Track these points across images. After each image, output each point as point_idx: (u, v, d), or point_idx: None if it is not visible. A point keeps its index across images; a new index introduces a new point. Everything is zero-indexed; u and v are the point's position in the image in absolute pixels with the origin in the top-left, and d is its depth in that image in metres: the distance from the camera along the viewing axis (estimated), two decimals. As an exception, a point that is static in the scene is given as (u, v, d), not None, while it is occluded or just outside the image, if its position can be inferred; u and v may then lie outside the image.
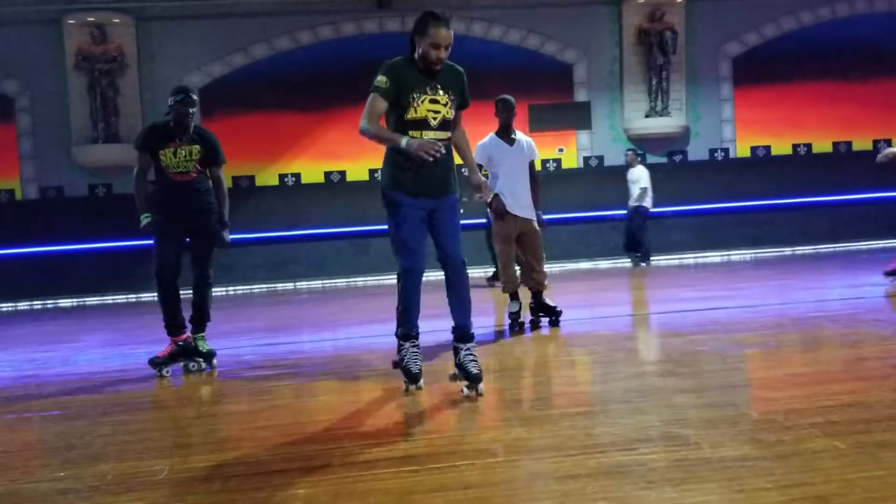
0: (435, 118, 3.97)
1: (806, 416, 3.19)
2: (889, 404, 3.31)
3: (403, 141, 3.87)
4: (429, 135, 3.96)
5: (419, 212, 4.01)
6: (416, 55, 3.98)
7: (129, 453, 3.33)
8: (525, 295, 6.35)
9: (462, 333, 4.12)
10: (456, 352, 4.13)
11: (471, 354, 4.07)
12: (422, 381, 4.19)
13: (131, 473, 3.02)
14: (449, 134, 4.08)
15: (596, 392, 4.11)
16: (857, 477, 2.50)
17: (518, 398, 4.23)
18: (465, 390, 4.01)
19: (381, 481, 2.75)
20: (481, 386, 4.02)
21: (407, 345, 4.16)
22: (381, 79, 3.95)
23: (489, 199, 4.37)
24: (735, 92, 14.75)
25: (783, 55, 14.65)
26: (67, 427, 3.93)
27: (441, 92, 4.00)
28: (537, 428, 3.34)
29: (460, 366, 4.07)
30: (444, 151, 3.88)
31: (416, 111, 3.93)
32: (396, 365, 4.29)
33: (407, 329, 4.17)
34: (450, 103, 4.02)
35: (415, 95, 3.93)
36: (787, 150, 14.81)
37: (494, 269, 9.43)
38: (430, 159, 3.83)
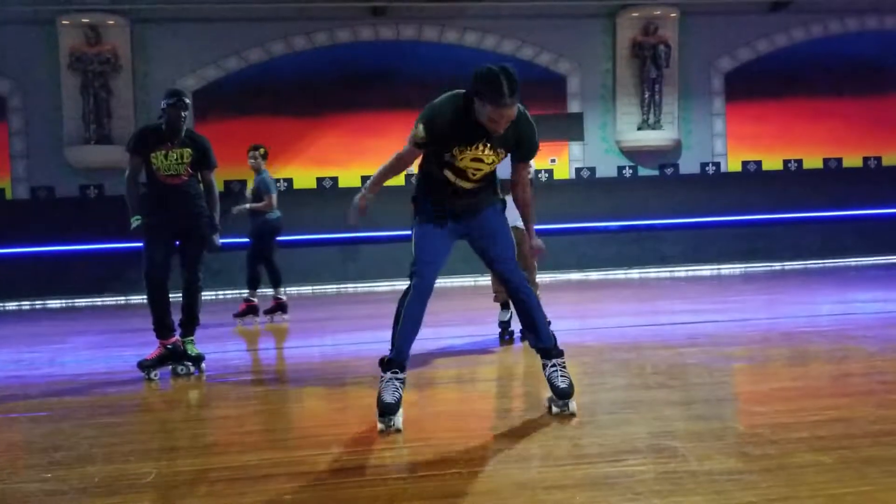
0: (475, 174, 3.65)
1: (792, 431, 3.20)
2: (874, 420, 3.33)
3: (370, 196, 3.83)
4: (465, 185, 3.68)
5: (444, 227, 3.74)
6: (473, 104, 3.49)
7: (115, 456, 3.31)
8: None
9: (541, 351, 3.78)
10: (542, 368, 3.79)
11: (558, 369, 3.69)
12: (400, 419, 3.49)
13: (117, 476, 3.01)
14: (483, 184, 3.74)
15: (584, 403, 4.11)
16: (843, 492, 2.51)
17: (507, 407, 4.23)
18: (554, 408, 3.65)
19: (367, 488, 2.75)
20: (573, 403, 3.63)
21: (388, 374, 3.57)
22: (419, 129, 3.55)
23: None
24: (727, 106, 14.84)
25: (775, 71, 14.75)
26: (54, 428, 3.91)
27: (489, 150, 3.60)
28: (524, 437, 3.34)
29: (548, 380, 3.72)
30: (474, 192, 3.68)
31: (457, 162, 3.60)
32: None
33: (395, 354, 3.61)
34: (496, 160, 3.66)
35: (456, 151, 3.57)
36: (778, 166, 14.90)
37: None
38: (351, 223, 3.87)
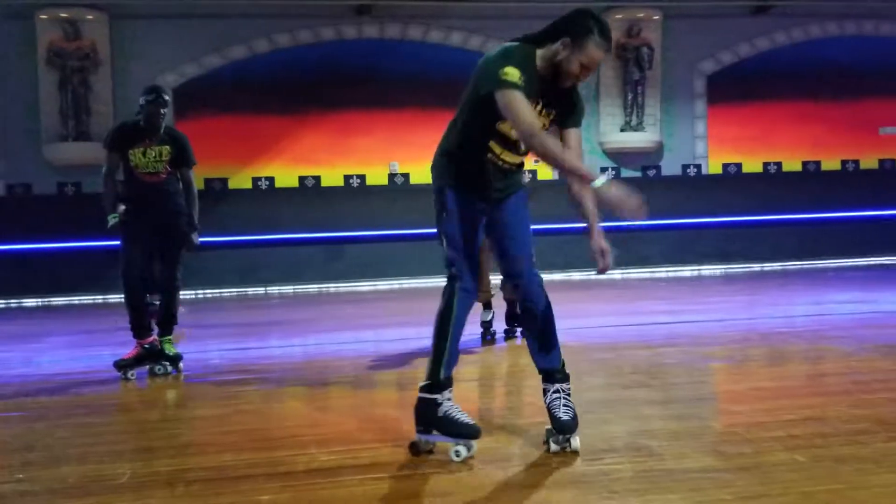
0: (524, 146, 3.05)
1: (768, 430, 3.23)
2: (848, 419, 3.36)
3: (601, 181, 2.90)
4: (512, 160, 3.12)
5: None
6: (545, 54, 3.00)
7: (90, 456, 3.28)
8: (500, 305, 6.36)
9: (545, 372, 3.21)
10: (543, 393, 3.21)
11: (561, 397, 3.12)
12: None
13: (92, 477, 2.98)
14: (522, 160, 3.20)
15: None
16: (815, 490, 2.54)
17: (487, 407, 4.23)
18: (553, 444, 3.06)
19: (345, 488, 2.74)
20: (576, 440, 3.05)
21: (445, 394, 3.08)
22: (513, 71, 2.87)
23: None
24: (708, 109, 14.91)
25: (756, 74, 14.85)
26: (27, 429, 3.86)
27: (543, 113, 3.04)
28: (504, 437, 3.35)
29: (547, 410, 3.14)
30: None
31: (511, 128, 2.97)
32: (423, 434, 3.10)
33: (448, 371, 3.08)
34: (548, 125, 3.06)
35: None
36: (758, 168, 15.00)
37: None
38: (632, 221, 3.01)
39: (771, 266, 13.86)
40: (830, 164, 15.11)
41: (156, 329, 5.27)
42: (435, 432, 3.05)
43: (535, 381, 4.92)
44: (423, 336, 6.66)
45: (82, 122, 13.01)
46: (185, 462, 3.18)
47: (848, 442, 3.03)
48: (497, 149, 3.07)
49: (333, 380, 4.96)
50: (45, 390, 4.85)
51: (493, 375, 5.15)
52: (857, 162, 15.20)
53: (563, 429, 3.05)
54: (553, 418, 3.08)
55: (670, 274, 13.31)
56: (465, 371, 5.23)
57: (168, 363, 5.22)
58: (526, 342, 3.27)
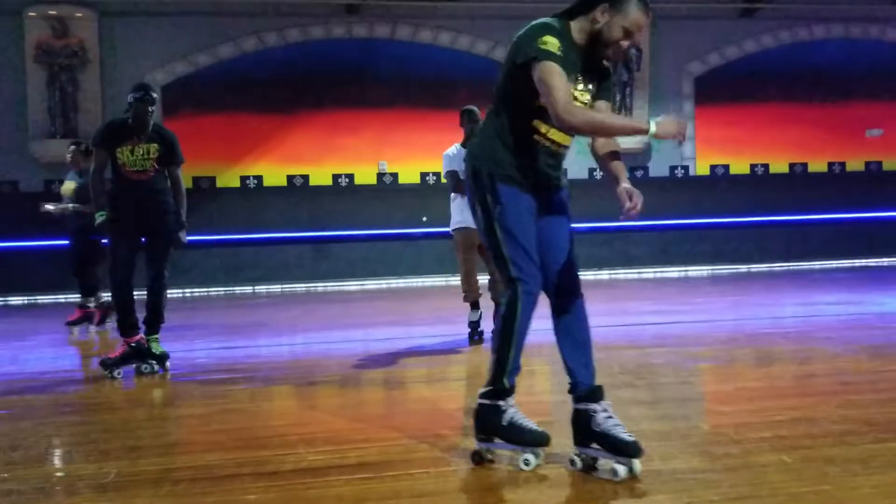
0: None
1: (755, 431, 3.23)
2: (836, 420, 3.38)
3: (653, 124, 2.73)
4: (560, 140, 2.89)
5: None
6: (582, 25, 2.82)
7: (76, 455, 3.26)
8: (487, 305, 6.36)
9: (589, 392, 2.86)
10: (584, 417, 2.81)
11: (613, 416, 2.81)
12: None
13: (78, 476, 2.96)
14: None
15: (552, 402, 4.13)
16: (803, 491, 2.54)
17: (474, 407, 4.22)
18: (619, 469, 2.68)
19: (333, 488, 2.73)
20: (637, 464, 2.70)
21: (509, 400, 2.89)
22: (552, 41, 2.71)
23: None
24: (696, 110, 14.98)
25: (744, 76, 14.92)
26: (12, 427, 3.83)
27: (581, 87, 2.87)
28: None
29: (601, 436, 2.74)
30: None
31: None
32: (484, 442, 2.91)
33: (511, 379, 2.89)
34: (589, 102, 2.90)
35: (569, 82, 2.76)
36: (745, 170, 15.07)
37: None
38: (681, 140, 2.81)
39: (758, 267, 13.93)
40: (817, 166, 15.20)
41: (142, 327, 5.24)
42: (497, 440, 2.86)
43: (522, 381, 4.92)
44: (411, 336, 6.69)
45: (70, 119, 12.94)
46: (171, 461, 3.16)
47: (836, 443, 3.04)
48: (543, 127, 2.82)
49: (321, 379, 4.94)
50: (31, 389, 4.82)
51: (480, 375, 5.13)
52: (843, 164, 15.29)
53: (634, 451, 2.70)
54: (620, 442, 2.70)
55: (657, 275, 13.35)
56: (453, 370, 5.23)
57: (155, 362, 5.19)
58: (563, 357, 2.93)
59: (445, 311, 7.82)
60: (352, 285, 12.52)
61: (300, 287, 12.70)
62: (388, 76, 13.55)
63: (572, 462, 2.81)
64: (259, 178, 13.59)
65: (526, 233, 2.82)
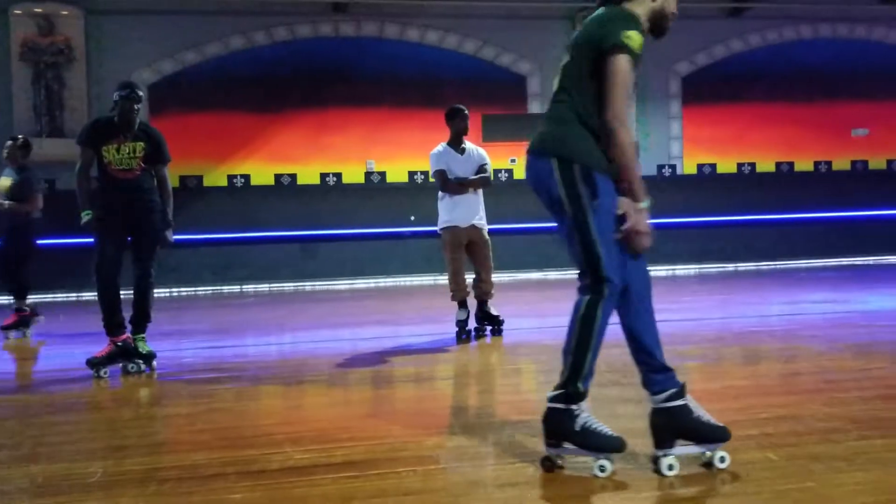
0: None
1: (742, 428, 3.24)
2: (821, 418, 3.40)
3: (645, 204, 2.75)
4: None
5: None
6: (644, 10, 2.80)
7: (61, 455, 3.24)
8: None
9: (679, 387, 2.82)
10: (676, 414, 2.75)
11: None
12: None
13: (63, 475, 2.94)
14: None
15: (539, 400, 4.12)
16: (788, 488, 2.56)
17: (462, 405, 4.24)
18: (718, 460, 2.73)
19: (319, 487, 2.73)
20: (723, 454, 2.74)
21: (582, 405, 2.77)
22: (637, 38, 2.69)
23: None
24: (683, 110, 15.04)
25: (731, 76, 14.99)
26: (-3, 427, 3.81)
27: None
28: (479, 435, 3.35)
29: (696, 423, 2.75)
30: None
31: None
32: (554, 447, 2.78)
33: (586, 385, 2.79)
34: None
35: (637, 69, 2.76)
36: (732, 169, 15.15)
37: None
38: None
39: (744, 266, 14.00)
40: (803, 164, 15.29)
41: (129, 327, 5.21)
42: (567, 445, 2.74)
43: (509, 380, 4.96)
44: (399, 335, 6.68)
45: (56, 117, 12.86)
46: (157, 461, 3.15)
47: (821, 440, 3.06)
48: None
49: (308, 378, 4.93)
50: (17, 388, 4.79)
51: (467, 374, 5.15)
52: (829, 163, 15.39)
53: (725, 435, 2.74)
54: (712, 428, 2.73)
55: (646, 273, 13.38)
56: (441, 369, 5.23)
57: (141, 361, 5.17)
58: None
59: (433, 311, 7.82)
60: (340, 284, 12.50)
61: (288, 286, 12.67)
62: (376, 75, 13.53)
63: (670, 467, 2.70)
64: (246, 176, 13.54)
65: (613, 231, 2.72)
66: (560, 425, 2.74)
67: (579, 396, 2.75)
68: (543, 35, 14.49)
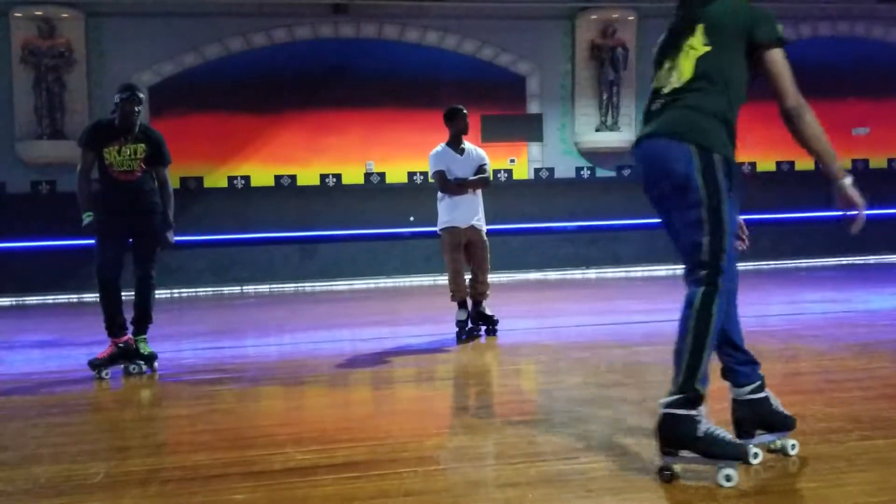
0: None
1: (742, 428, 3.25)
2: (822, 418, 3.40)
3: (848, 179, 2.84)
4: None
5: None
6: None
7: (63, 456, 3.24)
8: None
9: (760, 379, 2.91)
10: (752, 404, 2.86)
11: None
12: None
13: (65, 476, 2.95)
14: None
15: (539, 401, 4.14)
16: (790, 488, 2.56)
17: (463, 406, 4.24)
18: (789, 447, 2.86)
19: (320, 487, 2.73)
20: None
21: (702, 409, 2.64)
22: (782, 30, 2.81)
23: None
24: (683, 110, 15.06)
25: (730, 75, 15.02)
26: (0, 429, 3.81)
27: None
28: (480, 436, 3.36)
29: (773, 413, 2.88)
30: None
31: None
32: (671, 456, 2.64)
33: (703, 385, 2.67)
34: None
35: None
36: (733, 168, 15.17)
37: None
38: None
39: (744, 265, 13.95)
40: (804, 164, 15.27)
41: (130, 328, 5.22)
42: (684, 453, 2.60)
43: (510, 380, 4.96)
44: (398, 335, 6.69)
45: (57, 120, 12.87)
46: (158, 461, 3.16)
47: (822, 440, 3.06)
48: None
49: (309, 379, 4.94)
50: (19, 389, 4.79)
51: (467, 374, 5.15)
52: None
53: (794, 424, 2.88)
54: (785, 418, 2.86)
55: (645, 273, 13.40)
56: (441, 369, 5.23)
57: (142, 362, 5.18)
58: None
59: (433, 311, 7.82)
60: (339, 285, 12.50)
61: (288, 287, 12.67)
62: (376, 76, 13.53)
63: (755, 455, 2.75)
64: (246, 178, 13.55)
65: (732, 225, 2.74)
66: (679, 432, 2.60)
67: (699, 400, 2.62)
68: (543, 35, 14.51)
